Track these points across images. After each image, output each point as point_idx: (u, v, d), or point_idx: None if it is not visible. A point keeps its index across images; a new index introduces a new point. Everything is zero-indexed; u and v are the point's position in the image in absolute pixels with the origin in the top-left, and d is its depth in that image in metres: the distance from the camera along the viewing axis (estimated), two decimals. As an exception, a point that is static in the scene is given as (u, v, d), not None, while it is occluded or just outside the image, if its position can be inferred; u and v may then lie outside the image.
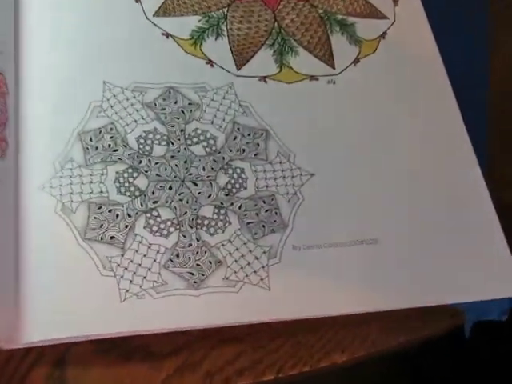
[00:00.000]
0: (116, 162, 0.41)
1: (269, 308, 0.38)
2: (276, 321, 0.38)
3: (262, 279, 0.40)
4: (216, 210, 0.41)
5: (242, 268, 0.40)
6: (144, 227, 0.40)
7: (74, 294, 0.36)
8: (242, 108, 0.44)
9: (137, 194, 0.40)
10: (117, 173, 0.40)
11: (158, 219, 0.40)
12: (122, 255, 0.38)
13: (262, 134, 0.43)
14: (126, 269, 0.38)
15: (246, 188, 0.42)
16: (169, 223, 0.40)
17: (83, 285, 0.36)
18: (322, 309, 0.39)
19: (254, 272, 0.40)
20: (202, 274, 0.39)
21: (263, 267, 0.41)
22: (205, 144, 0.43)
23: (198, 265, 0.40)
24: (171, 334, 0.37)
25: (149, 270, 0.38)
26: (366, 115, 0.45)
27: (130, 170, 0.41)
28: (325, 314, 0.39)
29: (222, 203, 0.41)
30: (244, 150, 0.43)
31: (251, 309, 0.38)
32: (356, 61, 0.46)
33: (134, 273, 0.38)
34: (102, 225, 0.39)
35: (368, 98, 0.45)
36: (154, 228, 0.40)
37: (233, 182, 0.42)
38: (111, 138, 0.41)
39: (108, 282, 0.37)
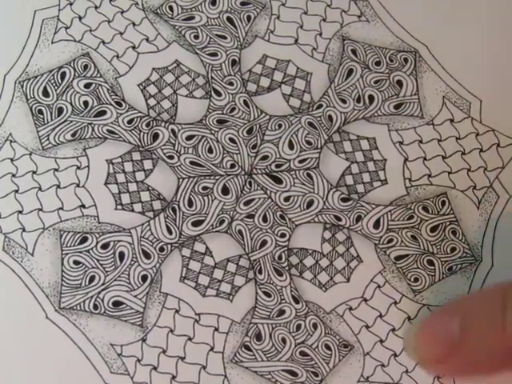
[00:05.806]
0: (105, 140, 0.27)
1: None
2: None
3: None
4: (328, 229, 0.26)
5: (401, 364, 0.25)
6: (182, 278, 0.25)
7: None
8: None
9: (156, 206, 0.26)
10: (110, 163, 0.27)
11: (209, 259, 0.26)
12: (144, 340, 0.25)
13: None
14: (155, 368, 0.24)
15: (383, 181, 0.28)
16: (232, 267, 0.26)
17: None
18: None
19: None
20: (315, 375, 0.24)
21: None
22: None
23: (302, 354, 0.25)
24: None
25: (203, 368, 0.24)
26: None
27: (137, 155, 0.26)
28: None
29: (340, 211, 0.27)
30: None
31: None
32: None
33: (173, 377, 0.24)
34: (92, 276, 0.25)
35: None
36: (204, 280, 0.26)
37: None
38: (88, 85, 0.27)
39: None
